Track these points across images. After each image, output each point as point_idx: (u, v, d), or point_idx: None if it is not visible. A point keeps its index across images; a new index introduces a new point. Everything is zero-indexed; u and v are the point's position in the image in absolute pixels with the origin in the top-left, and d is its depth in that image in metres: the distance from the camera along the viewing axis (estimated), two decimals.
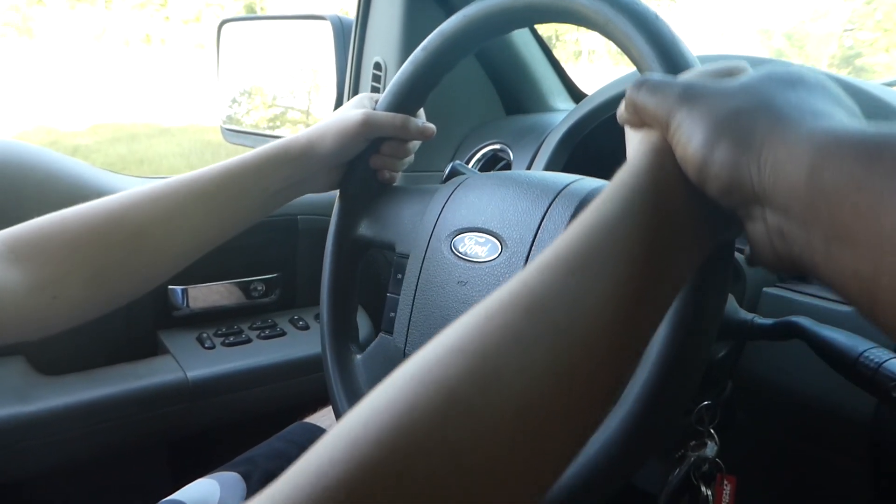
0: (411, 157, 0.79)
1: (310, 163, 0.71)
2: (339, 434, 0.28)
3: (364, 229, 0.79)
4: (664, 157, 0.39)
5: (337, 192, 0.78)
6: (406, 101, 0.76)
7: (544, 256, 0.36)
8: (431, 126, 0.75)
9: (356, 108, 0.74)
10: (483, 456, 0.28)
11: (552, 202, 0.64)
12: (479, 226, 0.69)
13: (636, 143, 0.42)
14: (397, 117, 0.73)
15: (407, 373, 0.31)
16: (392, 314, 0.77)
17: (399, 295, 0.76)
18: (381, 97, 0.77)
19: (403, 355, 0.72)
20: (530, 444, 0.30)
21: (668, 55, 0.52)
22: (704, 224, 0.39)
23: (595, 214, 0.37)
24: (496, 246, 0.68)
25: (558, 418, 0.31)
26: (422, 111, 0.77)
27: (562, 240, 0.36)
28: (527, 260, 0.66)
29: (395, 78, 0.76)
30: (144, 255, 0.61)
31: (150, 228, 0.62)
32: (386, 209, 0.79)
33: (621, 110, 0.45)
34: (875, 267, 0.29)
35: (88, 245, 0.59)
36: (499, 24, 0.69)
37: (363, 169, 0.78)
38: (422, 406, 0.29)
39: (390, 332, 0.77)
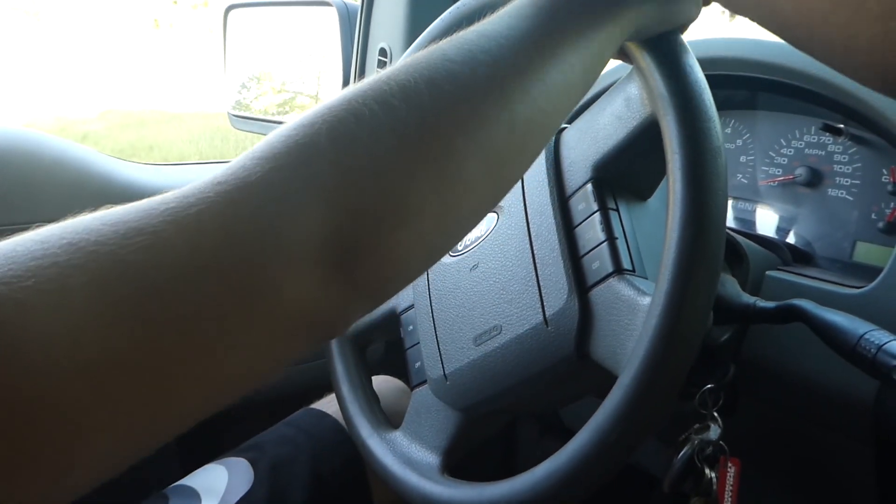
0: None
1: None
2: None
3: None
4: None
5: None
6: None
7: None
8: None
9: None
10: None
11: None
12: None
13: None
14: None
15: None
16: (418, 363, 0.76)
17: (419, 339, 0.75)
18: None
19: (446, 379, 0.71)
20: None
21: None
22: None
23: None
24: (491, 216, 0.69)
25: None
26: None
27: None
28: (525, 207, 0.67)
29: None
30: None
31: None
32: None
33: None
34: None
35: None
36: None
37: None
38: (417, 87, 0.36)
39: (423, 381, 0.76)
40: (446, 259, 0.72)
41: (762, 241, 0.76)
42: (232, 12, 1.40)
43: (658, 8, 0.46)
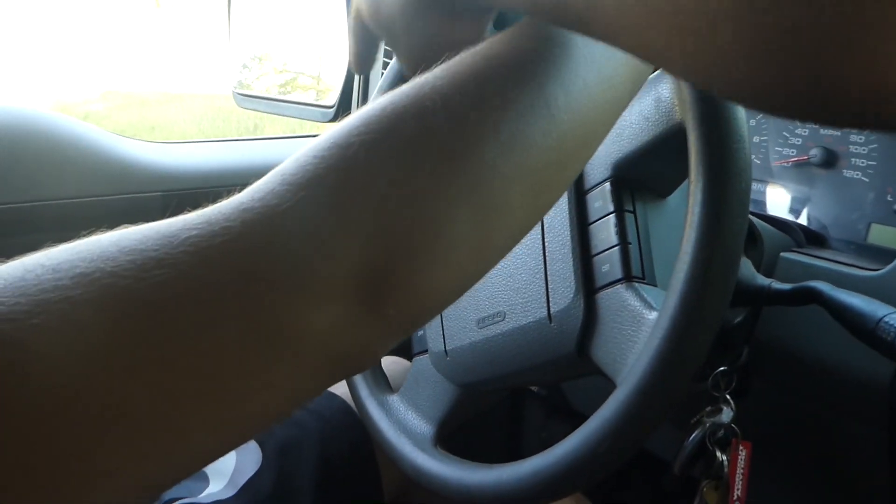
0: None
1: None
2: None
3: None
4: None
5: None
6: None
7: None
8: None
9: None
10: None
11: None
12: None
13: None
14: None
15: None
16: (420, 332, 0.76)
17: None
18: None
19: (446, 354, 0.72)
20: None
21: None
22: None
23: None
24: None
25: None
26: None
27: None
28: None
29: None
30: None
31: None
32: None
33: None
34: None
35: None
36: None
37: None
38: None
39: (424, 350, 0.76)
40: None
41: (776, 222, 0.75)
42: None
43: None
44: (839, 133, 0.77)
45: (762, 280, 0.61)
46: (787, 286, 0.59)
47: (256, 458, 0.78)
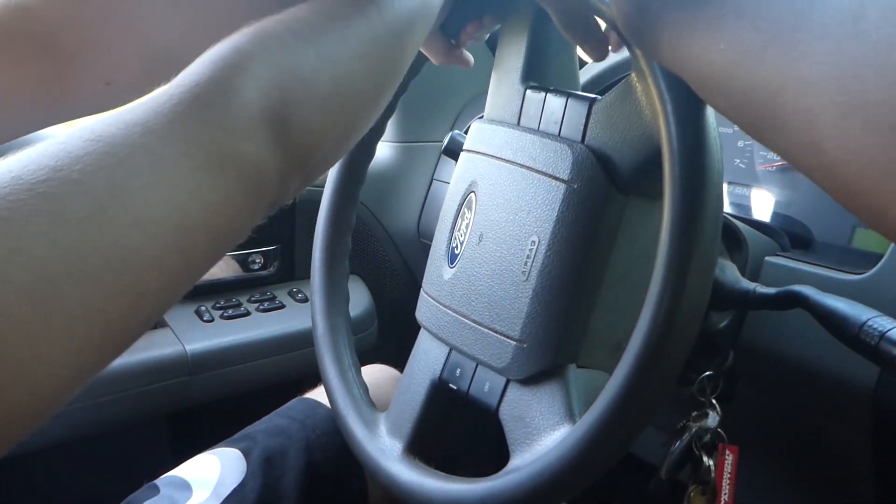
0: None
1: None
2: None
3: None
4: None
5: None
6: None
7: None
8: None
9: None
10: None
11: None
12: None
13: None
14: None
15: None
16: (487, 385, 0.66)
17: (475, 362, 0.66)
18: None
19: (522, 343, 0.62)
20: None
21: None
22: None
23: None
24: (470, 196, 0.70)
25: None
26: None
27: None
28: (491, 160, 0.69)
29: None
30: None
31: None
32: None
33: None
34: None
35: None
36: None
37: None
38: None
39: (503, 391, 0.64)
40: (447, 274, 0.68)
41: (761, 226, 0.75)
42: None
43: None
44: None
45: (747, 284, 0.61)
46: (771, 290, 0.59)
47: (241, 469, 0.78)
